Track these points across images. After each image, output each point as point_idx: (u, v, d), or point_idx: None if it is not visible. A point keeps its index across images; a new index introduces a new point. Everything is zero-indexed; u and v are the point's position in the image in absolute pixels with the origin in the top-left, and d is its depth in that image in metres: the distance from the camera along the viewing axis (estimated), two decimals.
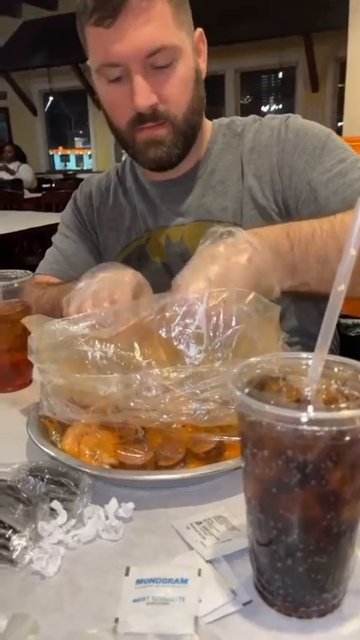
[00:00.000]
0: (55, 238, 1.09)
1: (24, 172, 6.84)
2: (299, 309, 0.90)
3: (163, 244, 0.95)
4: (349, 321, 1.18)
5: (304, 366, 0.41)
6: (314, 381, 0.39)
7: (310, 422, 0.34)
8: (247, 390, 0.38)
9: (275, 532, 0.38)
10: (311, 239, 0.68)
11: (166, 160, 0.86)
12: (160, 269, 0.96)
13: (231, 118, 0.97)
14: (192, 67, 0.83)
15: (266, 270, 0.65)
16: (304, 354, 0.41)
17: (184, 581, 0.42)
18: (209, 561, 0.45)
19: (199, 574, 0.43)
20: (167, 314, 0.59)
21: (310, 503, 0.37)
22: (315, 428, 0.34)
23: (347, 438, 0.35)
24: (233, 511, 0.51)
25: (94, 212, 1.03)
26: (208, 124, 0.95)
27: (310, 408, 0.36)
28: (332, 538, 0.38)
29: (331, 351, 1.04)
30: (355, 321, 1.18)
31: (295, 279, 0.68)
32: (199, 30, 0.87)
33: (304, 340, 0.89)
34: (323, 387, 0.40)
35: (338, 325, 1.14)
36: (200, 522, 0.50)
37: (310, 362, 0.40)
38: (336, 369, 0.41)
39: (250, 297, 0.58)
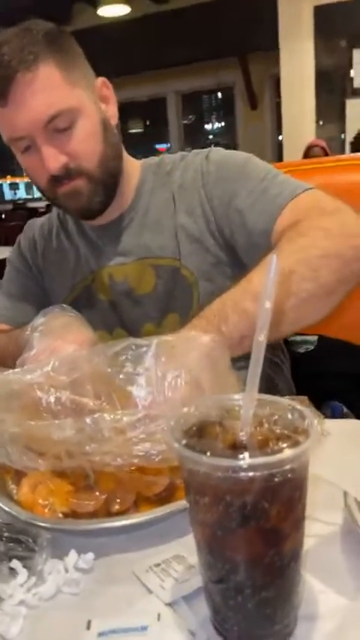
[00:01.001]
0: (2, 282, 1.09)
1: None
2: None
3: (108, 283, 0.97)
4: (298, 338, 1.22)
5: (237, 408, 0.43)
6: (247, 424, 0.41)
7: (244, 468, 0.37)
8: (184, 442, 0.40)
9: (224, 571, 0.40)
10: (223, 305, 0.70)
11: (87, 208, 0.90)
12: (107, 307, 0.99)
13: (160, 156, 1.01)
14: (96, 119, 0.86)
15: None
16: (237, 396, 0.44)
17: (144, 628, 0.44)
18: (168, 604, 0.47)
19: (159, 618, 0.45)
20: (120, 359, 0.61)
21: (253, 541, 0.39)
22: (249, 473, 0.37)
23: (280, 479, 0.37)
24: (190, 549, 0.52)
25: (39, 256, 1.05)
26: (135, 165, 0.98)
27: (242, 455, 0.38)
28: (277, 572, 0.40)
29: (280, 368, 1.07)
30: (304, 337, 1.22)
31: (231, 339, 0.67)
32: (101, 79, 0.90)
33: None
34: (257, 428, 0.42)
35: (287, 342, 1.18)
36: (159, 564, 0.52)
37: (241, 402, 0.42)
38: (268, 408, 0.44)
39: (200, 341, 0.61)
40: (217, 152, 0.94)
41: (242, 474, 0.37)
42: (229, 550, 0.40)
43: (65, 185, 0.86)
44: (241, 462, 0.37)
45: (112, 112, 0.91)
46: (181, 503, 0.56)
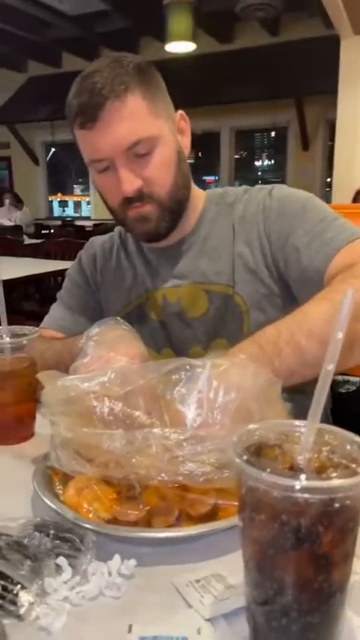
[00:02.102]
0: (60, 294, 1.15)
1: (22, 216, 7.04)
2: None
3: (161, 304, 1.01)
4: (340, 378, 1.22)
5: (297, 434, 0.45)
6: (306, 450, 0.43)
7: (303, 490, 0.38)
8: (245, 457, 0.42)
9: (271, 592, 0.41)
10: (278, 336, 0.72)
11: (154, 233, 0.95)
12: (158, 327, 1.02)
13: (224, 188, 1.05)
14: (173, 149, 0.92)
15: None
16: (297, 422, 0.45)
17: (185, 639, 0.45)
18: (208, 619, 0.48)
19: (199, 632, 0.46)
20: (173, 377, 0.64)
21: (304, 564, 0.40)
22: (307, 495, 0.38)
23: (336, 505, 0.39)
24: (230, 569, 0.54)
25: (98, 273, 1.10)
26: (200, 194, 1.03)
27: (303, 476, 0.40)
28: (324, 598, 0.41)
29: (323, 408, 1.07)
30: (346, 378, 1.22)
31: (280, 372, 0.70)
32: (180, 112, 0.96)
33: (291, 391, 0.93)
34: (315, 455, 0.44)
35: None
36: (199, 580, 0.53)
37: (302, 429, 0.44)
38: (327, 437, 0.45)
39: (252, 368, 0.63)
40: (280, 189, 0.98)
41: (301, 495, 0.38)
42: (278, 570, 0.41)
43: (136, 209, 0.91)
44: (302, 483, 0.38)
45: (186, 144, 0.96)
46: (227, 521, 0.57)
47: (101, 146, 0.87)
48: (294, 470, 0.43)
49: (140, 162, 0.88)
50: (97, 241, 1.14)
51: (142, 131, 0.86)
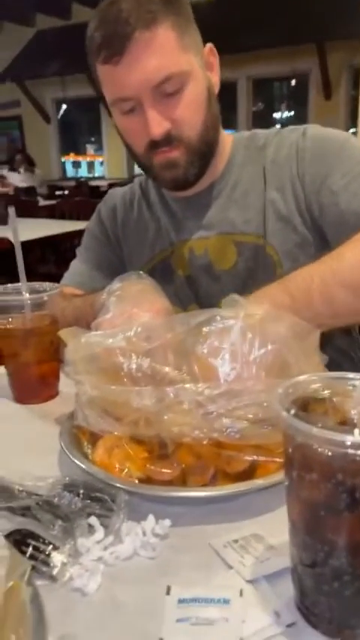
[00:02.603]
0: (79, 250, 1.10)
1: (35, 177, 6.93)
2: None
3: (187, 257, 0.96)
4: None
5: (349, 387, 0.41)
6: None
7: None
8: (293, 411, 0.38)
9: (322, 555, 0.38)
10: (310, 283, 0.69)
11: (182, 180, 0.88)
12: (184, 282, 0.97)
13: (253, 131, 0.98)
14: (203, 87, 0.84)
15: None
16: (351, 375, 0.41)
17: (227, 601, 0.43)
18: (249, 581, 0.45)
19: (241, 594, 0.43)
20: (203, 330, 0.60)
21: (359, 527, 0.37)
22: None
23: None
24: (269, 529, 0.51)
25: (119, 225, 1.04)
26: (227, 138, 0.95)
27: (357, 431, 0.36)
28: None
29: (354, 364, 1.02)
30: None
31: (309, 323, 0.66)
32: (209, 45, 0.87)
33: (332, 353, 0.89)
34: None
35: None
36: (237, 541, 0.50)
37: (356, 383, 0.40)
38: None
39: (287, 319, 0.59)
40: (315, 128, 0.91)
41: (357, 452, 0.34)
42: (330, 532, 0.38)
43: (163, 154, 0.84)
44: (358, 439, 0.34)
45: (216, 80, 0.88)
46: (262, 482, 0.54)
47: (128, 83, 0.79)
48: (347, 425, 0.39)
49: (169, 101, 0.81)
50: (117, 193, 1.08)
51: (172, 66, 0.78)
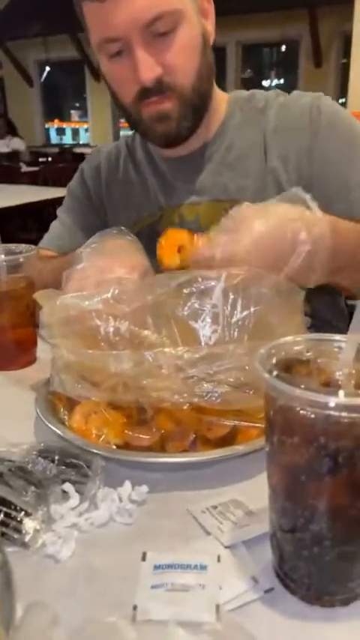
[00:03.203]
0: (60, 211, 1.05)
1: (17, 145, 6.71)
2: (312, 294, 0.88)
3: (177, 223, 0.90)
4: None
5: (335, 349, 0.39)
6: (346, 365, 0.37)
7: (345, 407, 0.33)
8: (275, 373, 0.36)
9: (302, 520, 0.37)
10: (354, 235, 0.65)
11: (174, 134, 0.82)
12: None
13: (251, 91, 0.91)
14: (197, 31, 0.78)
15: (310, 271, 0.60)
16: (336, 337, 0.39)
17: (204, 567, 0.41)
18: (227, 547, 0.44)
19: (219, 560, 0.42)
20: (184, 291, 0.57)
21: (341, 491, 0.36)
22: (351, 414, 0.33)
23: None
24: (249, 495, 0.50)
25: (102, 186, 0.99)
26: (222, 96, 0.90)
27: (342, 392, 0.34)
28: None
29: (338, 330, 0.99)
30: None
31: (328, 279, 0.65)
32: None
33: (318, 324, 0.87)
34: (353, 371, 0.38)
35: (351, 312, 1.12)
36: (216, 507, 0.49)
37: (342, 345, 0.38)
38: None
39: (271, 279, 0.56)
40: (328, 102, 0.84)
41: (342, 413, 0.33)
42: (311, 497, 0.36)
43: (154, 105, 0.78)
44: (343, 400, 0.32)
45: (210, 29, 0.82)
46: (244, 447, 0.53)
47: (116, 21, 0.73)
48: (331, 387, 0.37)
49: (161, 44, 0.75)
50: (102, 150, 1.01)
51: (163, 4, 0.72)
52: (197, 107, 0.81)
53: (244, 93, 0.91)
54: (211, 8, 0.82)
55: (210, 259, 0.59)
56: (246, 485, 0.53)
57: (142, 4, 0.72)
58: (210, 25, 0.82)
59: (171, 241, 0.64)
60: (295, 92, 0.88)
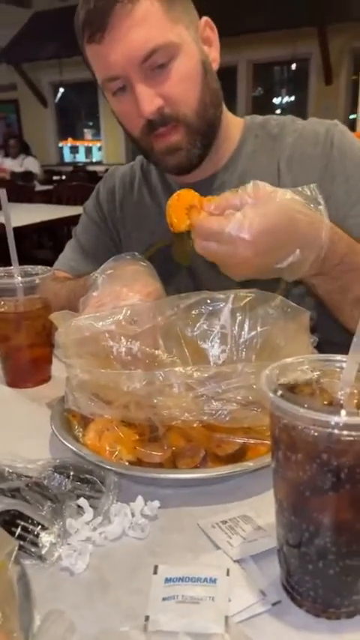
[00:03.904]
0: (76, 231, 1.06)
1: (31, 165, 6.84)
2: (323, 320, 0.84)
3: (189, 248, 0.88)
4: None
5: (337, 369, 0.41)
6: (348, 385, 0.39)
7: (346, 426, 0.34)
8: (280, 393, 0.38)
9: (307, 534, 0.38)
10: (351, 271, 0.66)
11: (186, 164, 0.83)
12: (185, 274, 0.93)
13: (266, 117, 0.92)
14: (196, 60, 0.79)
15: (302, 267, 0.62)
16: (338, 357, 0.41)
17: (213, 580, 0.43)
18: (237, 561, 0.46)
19: (228, 573, 0.44)
20: (193, 312, 0.59)
21: (344, 507, 0.37)
22: (350, 433, 0.34)
23: None
24: (258, 511, 0.52)
25: (117, 208, 1.00)
26: (237, 121, 0.90)
27: (343, 412, 0.36)
28: None
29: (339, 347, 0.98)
30: None
31: (318, 280, 0.66)
32: (205, 18, 0.83)
33: (329, 351, 0.87)
34: (356, 391, 0.40)
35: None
36: (226, 522, 0.51)
37: (343, 365, 0.40)
38: None
39: (277, 300, 0.58)
40: (343, 135, 0.84)
41: (342, 432, 0.34)
42: (316, 512, 0.38)
43: (162, 138, 0.80)
44: (344, 419, 0.34)
45: (214, 56, 0.83)
46: (253, 463, 0.54)
47: (114, 60, 0.76)
48: (334, 406, 0.39)
49: (159, 76, 0.77)
50: (117, 172, 1.03)
51: (158, 38, 0.75)
52: (206, 134, 0.83)
53: (259, 118, 0.92)
54: (214, 35, 0.84)
55: (218, 234, 0.59)
56: (255, 500, 0.54)
57: (137, 40, 0.74)
58: (214, 51, 0.83)
59: (182, 201, 0.64)
60: (310, 119, 0.89)
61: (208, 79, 0.81)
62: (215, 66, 0.84)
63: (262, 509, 0.51)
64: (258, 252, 0.58)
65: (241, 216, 0.58)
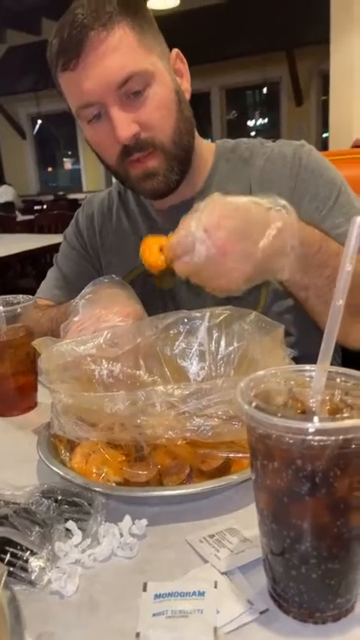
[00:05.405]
0: (57, 258, 1.07)
1: (8, 193, 6.89)
2: (303, 337, 0.87)
3: (170, 275, 0.94)
4: None
5: (307, 379, 0.43)
6: (318, 393, 0.40)
7: (317, 432, 0.36)
8: (254, 404, 0.40)
9: (289, 541, 0.40)
10: (335, 257, 0.67)
11: (163, 189, 0.85)
12: (166, 296, 0.94)
13: (236, 141, 0.94)
14: (170, 88, 0.81)
15: (284, 251, 0.62)
16: (308, 367, 0.43)
17: (201, 593, 0.44)
18: (224, 573, 0.46)
19: (216, 586, 0.44)
20: (171, 332, 0.61)
21: (321, 510, 0.38)
22: (322, 437, 0.36)
23: (352, 446, 0.36)
24: (244, 523, 0.53)
25: (97, 234, 1.01)
26: (209, 146, 0.92)
27: (316, 418, 0.37)
28: (343, 544, 0.39)
29: (333, 361, 1.00)
30: None
31: (303, 278, 0.66)
32: (175, 50, 0.85)
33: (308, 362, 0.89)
34: (327, 398, 0.41)
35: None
36: (213, 535, 0.51)
37: (313, 373, 0.42)
38: (338, 380, 0.43)
39: (252, 316, 0.60)
40: (311, 154, 0.86)
41: (314, 437, 0.36)
42: (295, 518, 0.39)
43: (139, 164, 0.81)
44: (315, 425, 0.36)
45: (186, 87, 0.85)
46: (237, 476, 0.55)
47: (89, 86, 0.76)
48: (306, 414, 0.40)
49: (135, 102, 0.77)
50: (95, 199, 1.04)
51: (133, 64, 0.76)
52: (182, 160, 0.85)
53: (230, 143, 0.94)
54: (184, 67, 0.86)
55: (186, 239, 0.61)
56: (241, 513, 0.55)
57: (113, 67, 0.75)
58: (185, 82, 0.86)
59: (150, 244, 0.68)
60: (279, 141, 0.91)
61: (182, 107, 0.83)
62: (187, 96, 0.86)
63: (248, 521, 0.52)
64: (229, 238, 0.59)
65: (198, 213, 0.61)
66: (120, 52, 0.75)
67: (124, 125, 0.77)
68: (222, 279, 0.62)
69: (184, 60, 0.87)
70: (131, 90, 0.77)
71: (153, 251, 0.66)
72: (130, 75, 0.76)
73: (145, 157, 0.81)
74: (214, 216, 0.60)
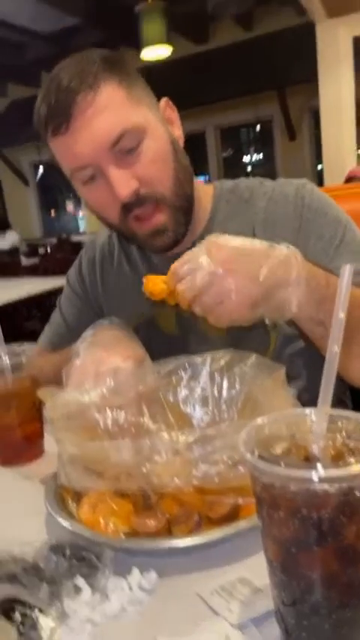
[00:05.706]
0: (60, 302, 1.06)
1: (13, 238, 7.02)
2: (313, 382, 0.84)
3: (174, 318, 0.91)
4: None
5: (309, 423, 0.43)
6: (320, 438, 0.41)
7: (322, 480, 0.36)
8: (257, 453, 0.40)
9: (299, 592, 0.39)
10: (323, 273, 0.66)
11: (173, 244, 0.84)
12: (171, 342, 0.92)
13: (234, 181, 0.93)
14: (165, 139, 0.80)
15: (289, 278, 0.62)
16: (307, 410, 0.43)
17: None
18: (236, 626, 0.45)
19: (227, 639, 0.43)
20: (173, 378, 0.62)
21: (330, 559, 0.38)
22: (326, 486, 0.36)
23: (357, 493, 0.36)
24: (255, 571, 0.52)
25: (98, 280, 1.00)
26: (207, 190, 0.91)
27: (319, 466, 0.37)
28: (354, 591, 0.39)
29: (344, 404, 0.96)
30: None
31: (318, 313, 0.65)
32: (164, 99, 0.84)
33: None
34: (330, 442, 0.42)
35: None
36: (224, 587, 0.51)
37: (314, 417, 0.42)
38: (340, 423, 0.43)
39: (252, 358, 0.61)
40: (313, 193, 0.85)
41: (319, 485, 0.36)
42: (304, 568, 0.39)
43: (146, 221, 0.80)
44: (319, 473, 0.36)
45: (178, 134, 0.84)
46: (246, 523, 0.55)
47: (80, 148, 0.75)
48: (309, 461, 0.41)
49: (130, 159, 0.76)
50: (97, 242, 1.02)
51: (124, 121, 0.75)
52: (186, 210, 0.84)
53: (228, 184, 0.93)
54: (174, 115, 0.85)
55: (190, 259, 0.62)
56: (252, 561, 0.54)
57: (104, 127, 0.74)
58: (177, 129, 0.85)
59: (153, 277, 0.69)
60: (279, 180, 0.90)
61: (179, 157, 0.82)
62: (181, 143, 0.85)
63: (260, 570, 0.50)
64: (231, 256, 0.61)
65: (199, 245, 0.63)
66: (109, 111, 0.75)
67: (123, 183, 0.76)
68: (225, 304, 0.61)
69: (174, 107, 0.86)
70: (125, 147, 0.76)
71: (156, 282, 0.68)
72: (122, 133, 0.75)
73: (150, 214, 0.80)
74: (216, 240, 0.62)
